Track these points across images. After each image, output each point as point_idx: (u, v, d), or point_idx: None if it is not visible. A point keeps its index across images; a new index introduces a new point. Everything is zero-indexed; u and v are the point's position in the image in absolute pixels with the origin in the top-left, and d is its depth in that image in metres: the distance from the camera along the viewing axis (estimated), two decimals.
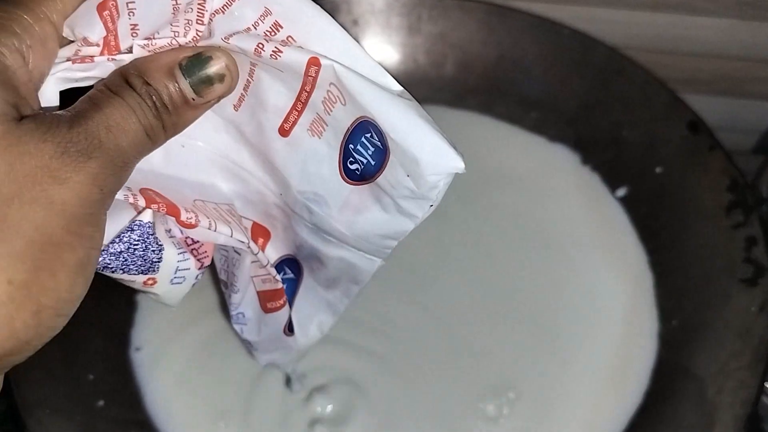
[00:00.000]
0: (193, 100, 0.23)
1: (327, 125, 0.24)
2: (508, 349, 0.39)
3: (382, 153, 0.23)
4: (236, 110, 0.25)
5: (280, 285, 0.29)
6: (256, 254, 0.27)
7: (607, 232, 0.43)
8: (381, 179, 0.24)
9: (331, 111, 0.24)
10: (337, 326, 0.31)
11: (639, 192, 0.44)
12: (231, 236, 0.26)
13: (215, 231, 0.26)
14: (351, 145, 0.24)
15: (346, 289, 0.29)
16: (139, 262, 0.25)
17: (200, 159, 0.26)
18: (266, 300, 0.30)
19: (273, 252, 0.29)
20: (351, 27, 0.48)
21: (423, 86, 0.49)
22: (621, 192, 0.44)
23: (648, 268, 0.42)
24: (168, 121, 0.22)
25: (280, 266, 0.29)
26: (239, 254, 0.28)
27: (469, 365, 0.38)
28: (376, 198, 0.25)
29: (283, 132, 0.25)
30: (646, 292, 0.41)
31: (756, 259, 0.37)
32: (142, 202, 0.24)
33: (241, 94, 0.24)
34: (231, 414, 0.37)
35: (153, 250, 0.25)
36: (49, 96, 0.22)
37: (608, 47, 0.46)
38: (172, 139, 0.24)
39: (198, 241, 0.26)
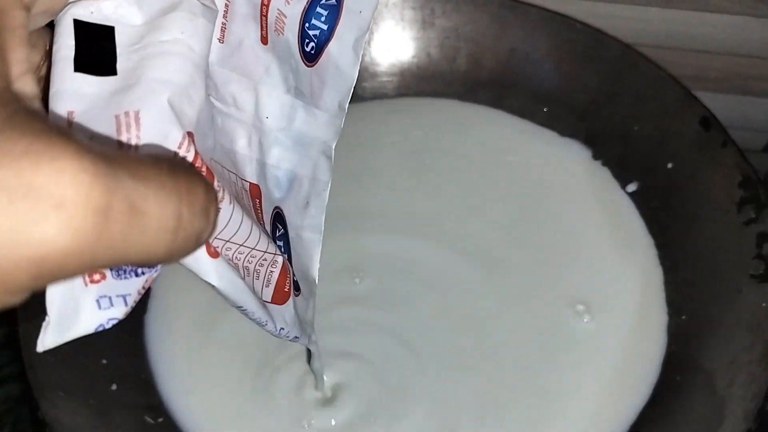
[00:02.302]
0: None
1: (286, 17, 0.25)
2: (516, 342, 0.39)
3: (335, 9, 0.24)
4: (222, 42, 0.25)
5: (279, 264, 0.28)
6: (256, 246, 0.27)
7: (617, 227, 0.43)
8: (333, 41, 0.25)
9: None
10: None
11: (650, 187, 0.44)
12: (242, 222, 0.26)
13: (231, 214, 0.25)
14: (306, 24, 0.25)
15: (317, 199, 0.27)
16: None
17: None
18: (282, 295, 0.29)
19: (267, 207, 0.28)
20: None
21: (435, 80, 0.49)
22: (632, 187, 0.44)
23: (658, 262, 0.42)
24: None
25: (273, 225, 0.29)
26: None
27: (477, 359, 0.39)
28: (326, 66, 0.25)
29: (264, 40, 0.25)
30: (655, 286, 0.41)
31: None
32: (191, 154, 0.22)
33: (222, 22, 0.25)
34: (245, 398, 0.37)
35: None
36: (64, 26, 0.21)
37: (621, 43, 0.46)
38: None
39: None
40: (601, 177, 0.45)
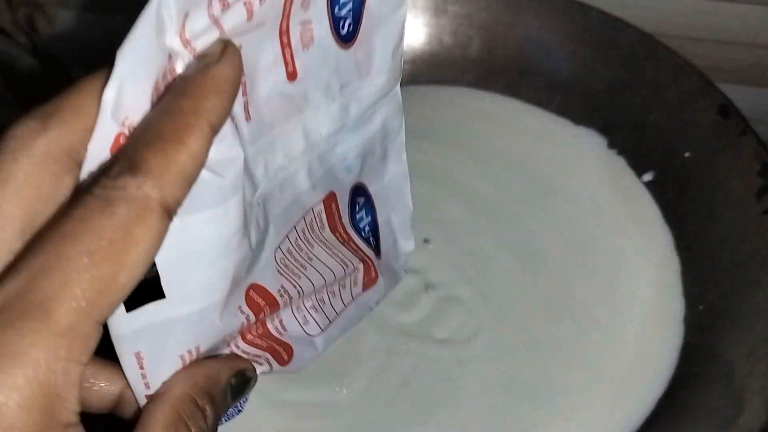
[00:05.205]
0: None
1: (312, 21, 0.22)
2: (533, 332, 0.38)
3: None
4: (249, 119, 0.22)
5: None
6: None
7: (633, 217, 0.43)
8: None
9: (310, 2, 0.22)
10: None
11: (666, 176, 0.43)
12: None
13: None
14: (335, 8, 0.23)
15: (393, 145, 0.27)
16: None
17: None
18: (371, 280, 0.29)
19: (343, 198, 0.27)
20: None
21: (448, 67, 0.49)
22: (648, 176, 0.44)
23: (675, 252, 0.41)
24: None
25: (352, 205, 0.27)
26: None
27: (494, 346, 0.38)
28: (371, 28, 0.23)
29: (291, 75, 0.22)
30: (672, 276, 0.40)
31: None
32: (252, 317, 0.23)
33: (244, 100, 0.21)
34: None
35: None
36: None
37: (637, 30, 0.45)
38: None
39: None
40: (617, 166, 0.45)
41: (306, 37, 0.22)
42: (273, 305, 0.24)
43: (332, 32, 0.23)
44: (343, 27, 0.23)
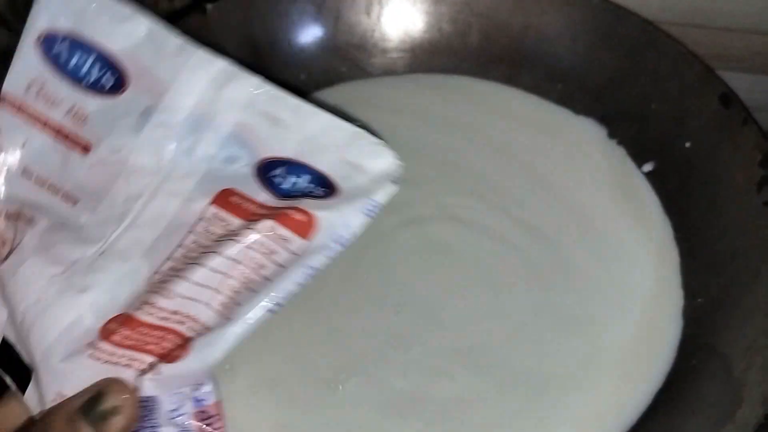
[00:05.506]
0: None
1: (72, 107, 0.26)
2: (529, 322, 0.38)
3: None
4: (76, 203, 0.27)
5: None
6: None
7: (632, 207, 0.42)
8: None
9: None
10: None
11: (667, 167, 0.43)
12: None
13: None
14: (84, 81, 0.26)
15: (291, 111, 0.28)
16: None
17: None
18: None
19: (246, 186, 0.27)
20: None
21: (447, 55, 0.48)
22: (648, 167, 0.43)
23: (674, 244, 0.41)
24: None
25: (267, 181, 0.27)
26: None
27: (489, 337, 0.38)
28: (141, 62, 0.27)
29: (86, 148, 0.26)
30: (671, 268, 0.40)
31: None
32: (105, 344, 0.25)
33: (63, 192, 0.28)
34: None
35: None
36: None
37: (639, 18, 0.45)
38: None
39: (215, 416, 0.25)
40: (617, 156, 0.44)
41: (77, 116, 0.26)
42: (139, 326, 0.25)
43: (97, 95, 0.26)
44: (104, 85, 0.26)
